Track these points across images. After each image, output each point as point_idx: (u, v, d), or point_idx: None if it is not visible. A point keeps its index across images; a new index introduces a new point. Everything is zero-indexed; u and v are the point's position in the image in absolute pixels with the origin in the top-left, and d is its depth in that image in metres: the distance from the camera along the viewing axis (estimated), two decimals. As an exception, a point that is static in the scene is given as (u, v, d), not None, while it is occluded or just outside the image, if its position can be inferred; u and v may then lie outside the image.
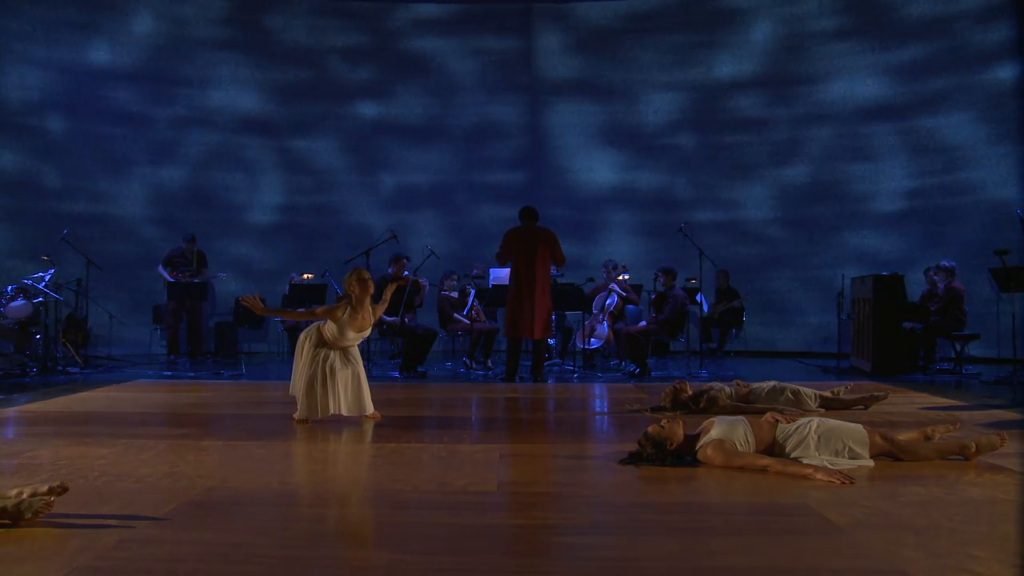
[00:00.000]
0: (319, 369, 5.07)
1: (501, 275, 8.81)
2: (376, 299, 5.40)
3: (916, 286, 9.60)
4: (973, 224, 10.25)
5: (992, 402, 6.15)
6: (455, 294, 9.32)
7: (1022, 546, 2.60)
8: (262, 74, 11.89)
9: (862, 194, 11.17)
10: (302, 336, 5.30)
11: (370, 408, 5.26)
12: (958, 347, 8.84)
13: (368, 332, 5.43)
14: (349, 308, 5.12)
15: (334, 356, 5.15)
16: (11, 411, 5.71)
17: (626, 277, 9.62)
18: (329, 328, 5.15)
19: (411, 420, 5.26)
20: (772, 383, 5.67)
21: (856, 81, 11.15)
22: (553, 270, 8.16)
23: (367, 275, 5.24)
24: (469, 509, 3.08)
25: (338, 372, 5.11)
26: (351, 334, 5.17)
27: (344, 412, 5.12)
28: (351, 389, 5.16)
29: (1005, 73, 10.10)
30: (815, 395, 5.60)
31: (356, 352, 5.34)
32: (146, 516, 2.93)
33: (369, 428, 4.98)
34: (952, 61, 10.48)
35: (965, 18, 10.37)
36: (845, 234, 11.25)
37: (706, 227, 11.13)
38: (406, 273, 8.36)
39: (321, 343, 5.17)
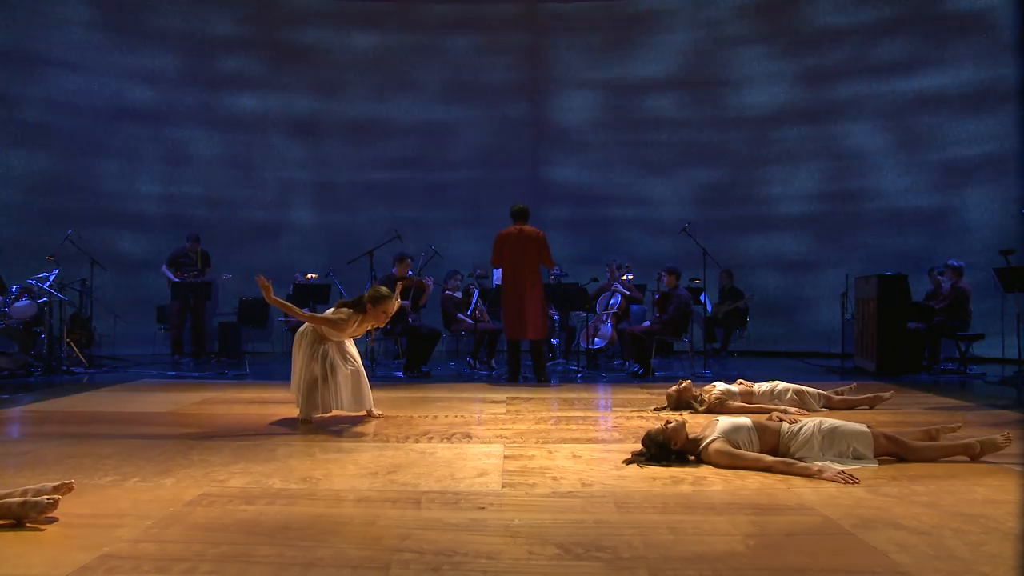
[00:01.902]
0: (319, 367, 5.07)
1: (504, 275, 8.80)
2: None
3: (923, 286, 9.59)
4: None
5: (997, 402, 6.14)
6: (459, 294, 9.31)
7: (1026, 547, 2.60)
8: (280, 76, 11.93)
9: (874, 193, 11.15)
10: (298, 335, 5.27)
11: (371, 404, 5.27)
12: (963, 347, 8.82)
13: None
14: (356, 324, 5.11)
15: (333, 354, 5.14)
16: (16, 411, 5.74)
17: (630, 277, 9.62)
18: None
19: (414, 420, 5.26)
20: (776, 383, 5.68)
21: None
22: (557, 270, 8.14)
23: (392, 310, 5.18)
24: (472, 509, 3.08)
25: (338, 370, 5.11)
26: (347, 337, 5.20)
27: (346, 409, 5.13)
28: (351, 386, 5.17)
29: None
30: (819, 395, 5.62)
31: (353, 348, 5.34)
32: (150, 515, 2.94)
33: (372, 428, 4.99)
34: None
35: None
36: (851, 233, 11.23)
37: (710, 226, 11.11)
38: (410, 273, 8.36)
39: (318, 340, 5.16)
